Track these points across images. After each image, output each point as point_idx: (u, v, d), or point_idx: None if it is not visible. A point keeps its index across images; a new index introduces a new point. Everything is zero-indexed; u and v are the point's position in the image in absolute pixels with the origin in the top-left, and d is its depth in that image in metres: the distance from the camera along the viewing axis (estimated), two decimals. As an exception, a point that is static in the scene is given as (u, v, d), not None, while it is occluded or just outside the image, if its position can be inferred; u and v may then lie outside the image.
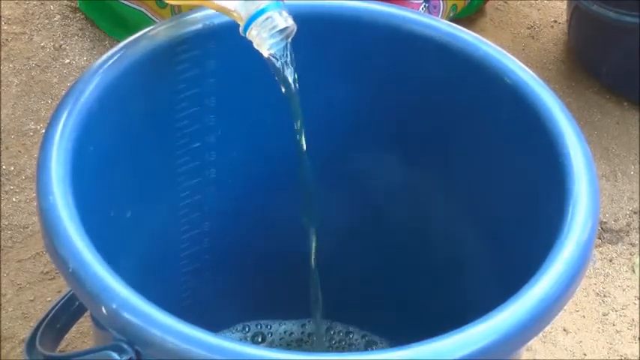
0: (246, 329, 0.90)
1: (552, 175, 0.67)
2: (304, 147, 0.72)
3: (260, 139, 0.80)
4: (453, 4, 1.28)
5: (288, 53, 0.67)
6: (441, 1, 1.26)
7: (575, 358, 0.98)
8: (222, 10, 0.67)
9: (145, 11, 1.25)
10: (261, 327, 0.91)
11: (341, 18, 0.76)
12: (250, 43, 0.67)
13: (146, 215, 0.76)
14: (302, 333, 0.91)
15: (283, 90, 0.70)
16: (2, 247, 1.04)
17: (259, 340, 0.90)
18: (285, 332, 0.91)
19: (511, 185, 0.74)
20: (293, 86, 0.69)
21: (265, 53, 0.67)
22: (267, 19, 0.65)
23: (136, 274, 0.64)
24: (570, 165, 0.66)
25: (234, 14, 0.66)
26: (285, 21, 0.66)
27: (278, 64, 0.68)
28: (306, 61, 0.77)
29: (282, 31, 0.66)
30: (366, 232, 0.86)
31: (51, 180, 0.62)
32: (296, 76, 0.69)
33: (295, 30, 0.67)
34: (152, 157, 0.75)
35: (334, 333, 0.92)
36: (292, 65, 0.68)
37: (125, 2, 1.26)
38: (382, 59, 0.78)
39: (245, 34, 0.66)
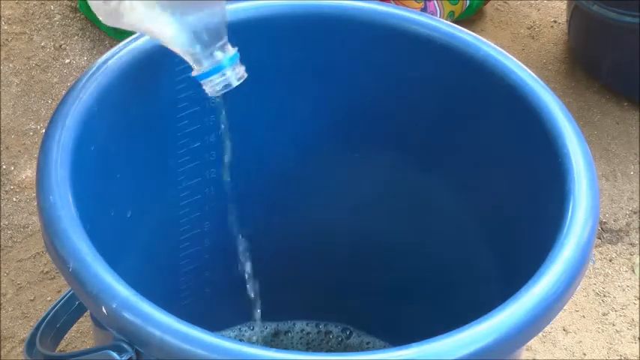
0: (263, 326, 0.91)
1: (552, 175, 0.67)
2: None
3: (260, 139, 0.80)
4: (451, 11, 1.28)
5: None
6: (437, 9, 1.26)
7: (574, 358, 0.98)
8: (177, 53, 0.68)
9: None
10: (277, 325, 0.91)
11: (341, 18, 0.76)
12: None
13: (146, 215, 0.76)
14: (318, 333, 0.91)
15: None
16: (2, 247, 1.04)
17: (279, 335, 0.90)
18: (302, 331, 0.91)
19: (511, 185, 0.74)
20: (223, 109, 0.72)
21: (211, 94, 0.68)
22: (222, 75, 0.66)
23: (135, 274, 0.64)
24: (570, 165, 0.66)
25: (189, 59, 0.66)
26: (238, 78, 0.67)
27: (218, 99, 0.70)
28: (305, 61, 0.77)
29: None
30: (367, 232, 0.86)
31: (51, 180, 0.62)
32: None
33: (245, 77, 0.68)
34: (152, 157, 0.75)
35: (334, 333, 0.92)
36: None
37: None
38: (382, 59, 0.77)
39: (198, 80, 0.67)
